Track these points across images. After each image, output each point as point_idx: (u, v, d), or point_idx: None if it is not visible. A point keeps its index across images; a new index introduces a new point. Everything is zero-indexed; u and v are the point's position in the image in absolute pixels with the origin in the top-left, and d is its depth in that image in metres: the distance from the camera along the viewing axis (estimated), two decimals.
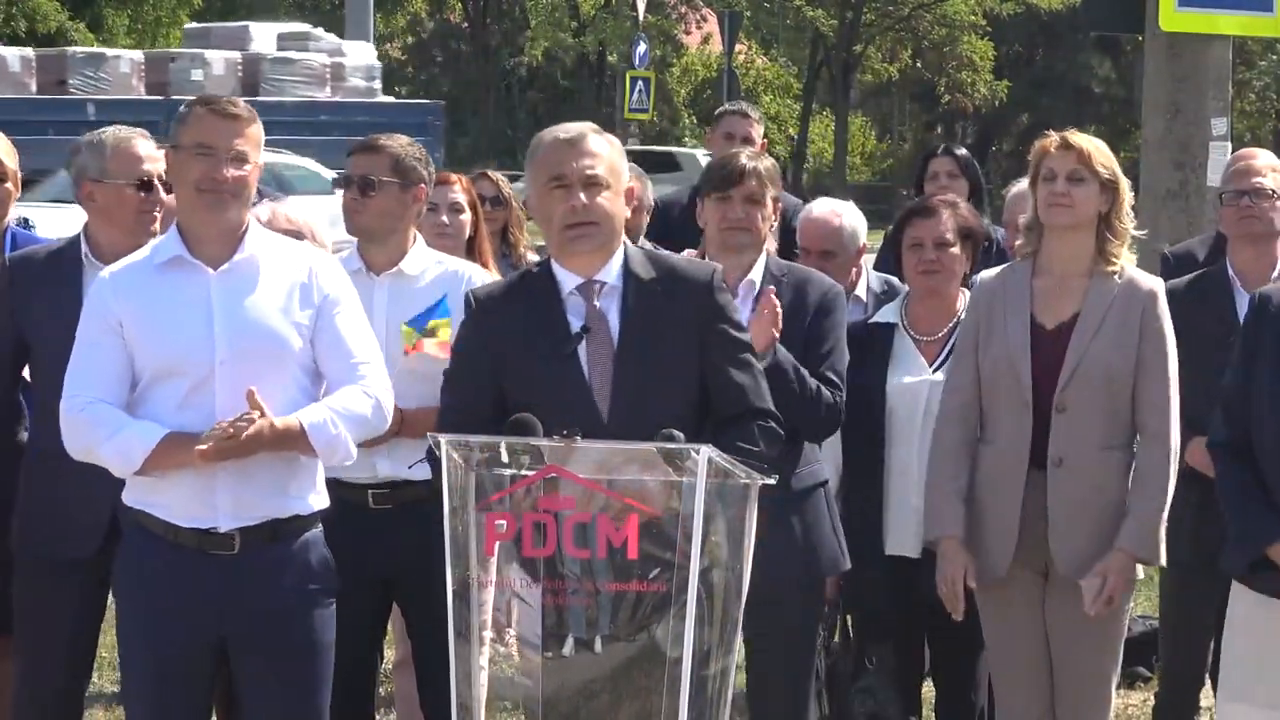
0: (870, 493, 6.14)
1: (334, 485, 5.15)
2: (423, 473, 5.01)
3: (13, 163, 6.06)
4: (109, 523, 5.29)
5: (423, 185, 5.78)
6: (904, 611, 6.20)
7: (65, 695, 5.66)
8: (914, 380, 6.11)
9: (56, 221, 15.18)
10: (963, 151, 8.38)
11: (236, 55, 30.45)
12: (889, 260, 7.09)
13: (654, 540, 4.23)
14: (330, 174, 22.18)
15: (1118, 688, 7.69)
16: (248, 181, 4.89)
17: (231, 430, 4.70)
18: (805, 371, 5.47)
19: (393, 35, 53.54)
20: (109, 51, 31.13)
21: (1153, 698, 7.18)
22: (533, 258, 7.78)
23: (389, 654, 7.17)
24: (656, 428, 4.33)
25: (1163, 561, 5.62)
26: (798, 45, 53.48)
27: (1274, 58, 47.30)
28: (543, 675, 4.39)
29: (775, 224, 5.88)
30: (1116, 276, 5.65)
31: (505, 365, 4.70)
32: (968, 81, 51.37)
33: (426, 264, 5.76)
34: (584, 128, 4.76)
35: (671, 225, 8.01)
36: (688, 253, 5.79)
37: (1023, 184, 6.92)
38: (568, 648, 4.35)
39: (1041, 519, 5.58)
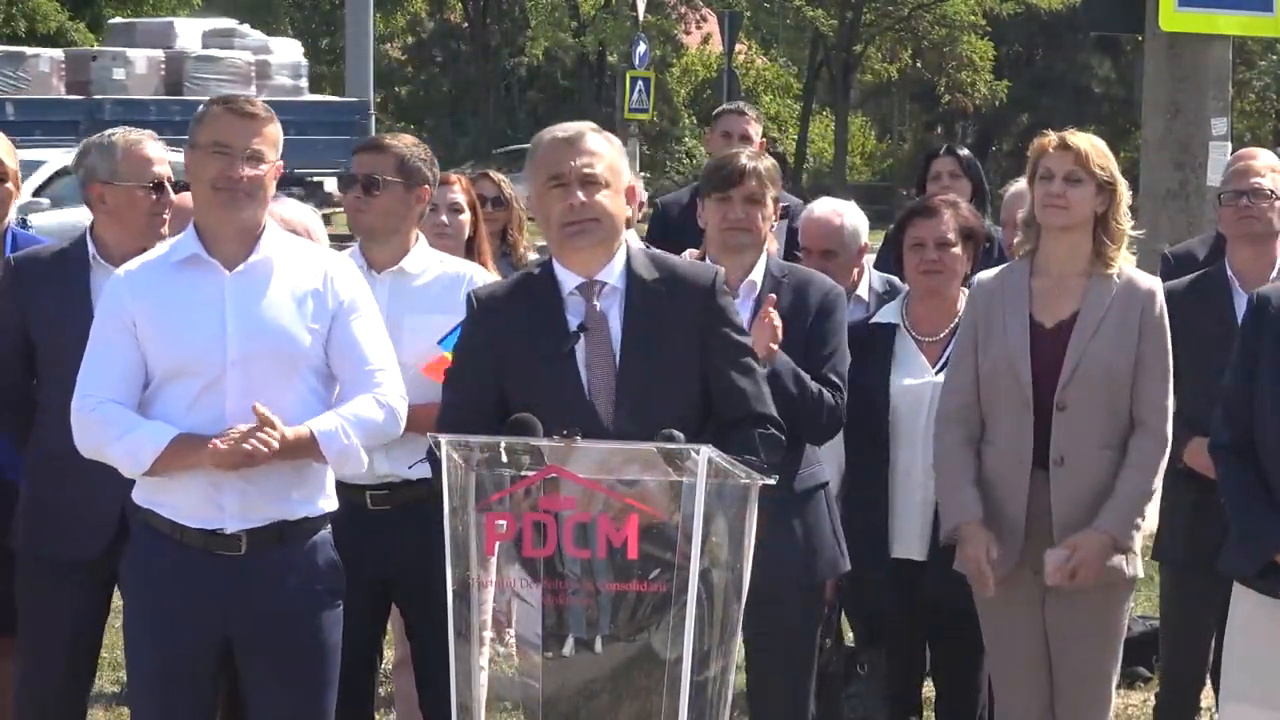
0: (874, 495, 6.13)
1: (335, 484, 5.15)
2: (422, 472, 5.02)
3: (13, 162, 6.07)
4: (116, 523, 5.29)
5: (427, 186, 5.79)
6: (908, 614, 6.20)
7: (67, 696, 5.66)
8: (916, 382, 6.11)
9: None
10: (965, 151, 8.38)
11: (160, 53, 29.83)
12: (889, 260, 7.09)
13: (654, 540, 4.23)
14: None
15: (1118, 688, 7.70)
16: (264, 181, 4.90)
17: (248, 448, 4.70)
18: (806, 376, 5.46)
19: (393, 35, 53.53)
20: (28, 50, 30.47)
21: (1153, 698, 7.18)
22: (533, 257, 7.79)
23: (389, 654, 7.18)
24: (657, 429, 4.32)
25: (1137, 548, 5.59)
26: (798, 45, 53.46)
27: (1274, 58, 47.28)
28: (543, 675, 4.39)
29: (775, 224, 5.88)
30: (1115, 276, 5.65)
31: (506, 365, 4.70)
32: (968, 81, 51.37)
33: (428, 263, 5.76)
34: (582, 127, 4.76)
35: (671, 225, 8.01)
36: (689, 253, 5.78)
37: (1020, 183, 6.93)
38: (568, 648, 4.35)
39: (1042, 518, 5.58)
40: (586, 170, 4.65)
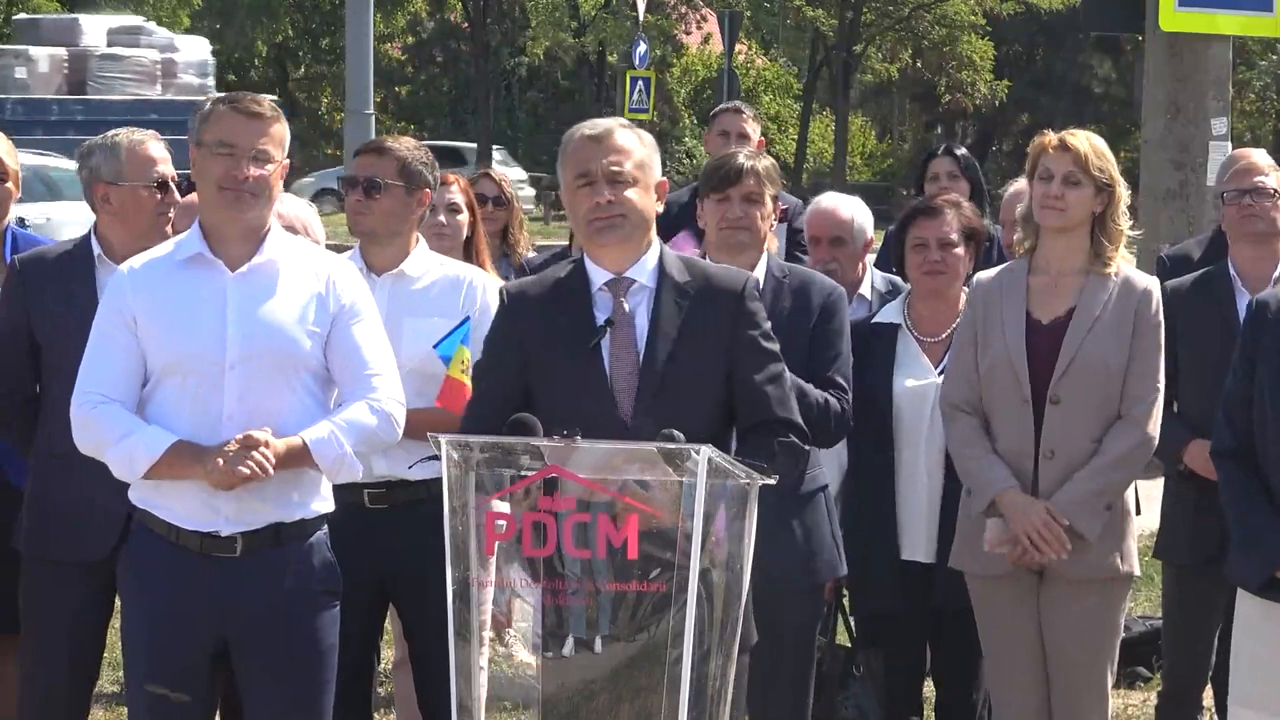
0: (880, 496, 6.13)
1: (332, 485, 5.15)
2: (422, 472, 5.01)
3: (13, 162, 6.07)
4: (121, 524, 5.28)
5: (428, 189, 5.78)
6: (912, 615, 6.20)
7: (70, 696, 5.65)
8: (919, 383, 6.11)
9: None
10: (963, 151, 8.37)
11: (63, 52, 29.10)
12: (890, 260, 7.09)
13: (654, 540, 4.23)
14: None
15: (1117, 688, 7.70)
16: (270, 181, 4.89)
17: (245, 472, 4.70)
18: (809, 387, 5.45)
19: (393, 35, 53.51)
20: None
21: (1153, 698, 7.18)
22: (531, 255, 7.78)
23: (389, 654, 7.18)
24: (678, 428, 4.31)
25: (1093, 537, 5.58)
26: (798, 45, 53.47)
27: (1274, 58, 47.29)
28: (543, 675, 4.39)
29: (775, 223, 5.87)
30: (1113, 275, 5.66)
31: (532, 359, 4.70)
32: (968, 81, 51.36)
33: (428, 266, 5.75)
34: (611, 124, 4.74)
35: (671, 225, 8.00)
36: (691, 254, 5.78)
37: (1020, 182, 6.94)
38: (568, 648, 4.35)
39: None
40: (614, 168, 4.64)
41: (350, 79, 16.70)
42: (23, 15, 36.36)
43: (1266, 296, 5.09)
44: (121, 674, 6.56)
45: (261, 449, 4.72)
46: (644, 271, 4.71)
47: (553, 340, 4.67)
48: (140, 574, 4.94)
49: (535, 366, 4.68)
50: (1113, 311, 5.62)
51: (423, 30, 56.33)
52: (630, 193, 4.65)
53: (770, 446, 4.61)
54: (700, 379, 4.65)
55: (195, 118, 4.96)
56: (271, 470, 4.73)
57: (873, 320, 6.32)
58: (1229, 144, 12.45)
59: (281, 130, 4.93)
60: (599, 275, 4.71)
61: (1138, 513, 6.19)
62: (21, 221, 6.94)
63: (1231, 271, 6.47)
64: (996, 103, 52.46)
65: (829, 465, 5.99)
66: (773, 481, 4.34)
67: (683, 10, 51.81)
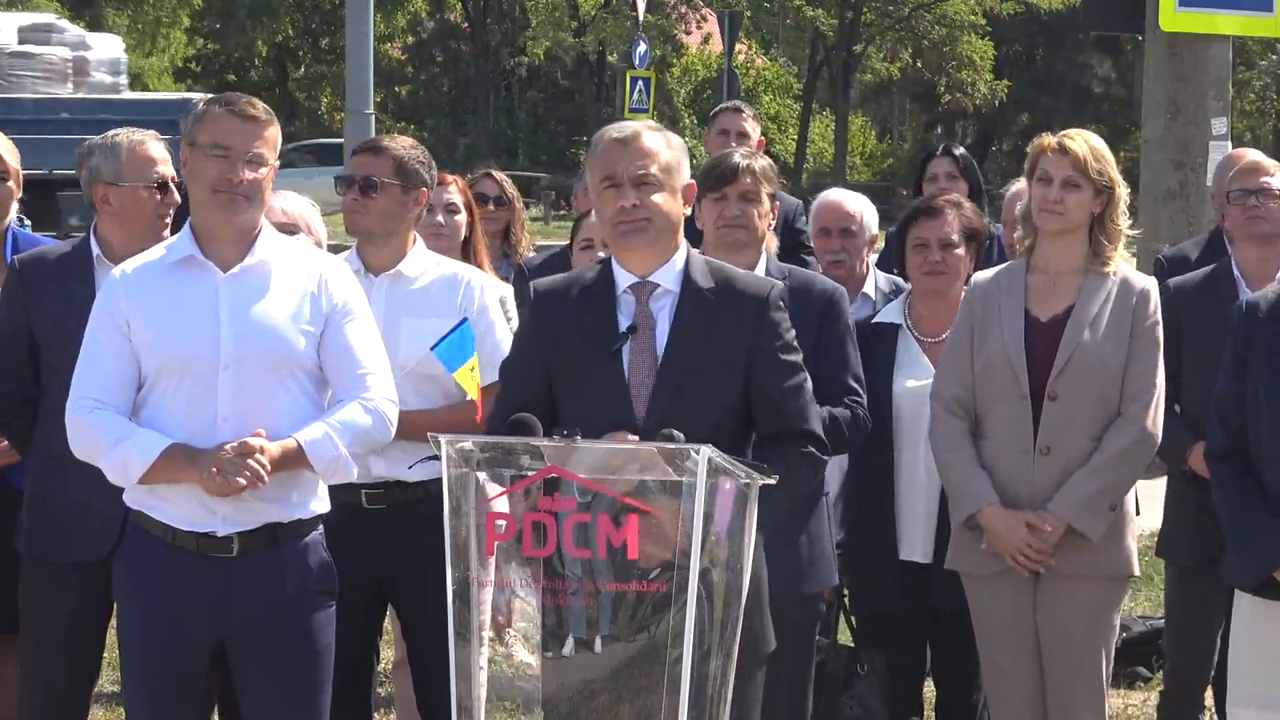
0: (878, 497, 6.13)
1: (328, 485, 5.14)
2: (422, 473, 5.01)
3: (14, 161, 6.06)
4: (120, 526, 5.28)
5: (424, 188, 5.77)
6: (911, 615, 6.20)
7: (70, 696, 5.65)
8: (919, 384, 6.10)
9: None
10: (962, 151, 8.37)
11: None
12: (890, 260, 7.10)
13: (654, 540, 4.23)
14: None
15: (1117, 688, 7.70)
16: (263, 184, 4.89)
17: (241, 482, 4.70)
18: (823, 416, 5.46)
19: (393, 35, 53.50)
20: None
21: (1153, 698, 7.18)
22: (530, 255, 7.78)
23: (388, 654, 7.17)
24: (693, 435, 4.31)
25: (1097, 538, 5.58)
26: (798, 45, 53.44)
27: (1274, 58, 47.28)
28: (543, 675, 4.40)
29: (774, 222, 5.87)
30: (1111, 274, 5.66)
31: (555, 358, 4.71)
32: (968, 81, 51.34)
33: (425, 266, 5.74)
34: (639, 126, 4.74)
35: None
36: None
37: (1021, 183, 6.93)
38: (568, 648, 4.36)
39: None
40: (639, 171, 4.64)
41: (350, 79, 16.66)
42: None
43: (1256, 297, 5.11)
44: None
45: (257, 456, 4.72)
46: (669, 276, 4.71)
47: (576, 340, 4.68)
48: (136, 575, 4.94)
49: (558, 364, 4.70)
50: (1111, 309, 5.63)
51: (423, 30, 56.32)
52: (656, 197, 4.65)
53: (788, 456, 4.60)
54: (717, 386, 4.64)
55: (188, 118, 4.95)
56: (267, 477, 4.74)
57: (873, 320, 6.32)
58: (1229, 144, 12.45)
59: (275, 133, 4.93)
60: (624, 278, 4.71)
61: (1137, 513, 6.19)
62: (22, 221, 6.93)
63: (1235, 271, 6.46)
64: (996, 103, 52.45)
65: (829, 467, 5.98)
66: (773, 481, 4.35)
67: (683, 10, 51.80)
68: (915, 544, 6.11)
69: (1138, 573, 5.80)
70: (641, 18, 39.30)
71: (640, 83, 34.11)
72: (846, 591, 6.57)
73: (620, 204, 4.64)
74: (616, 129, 4.74)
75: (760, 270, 5.65)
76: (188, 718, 4.94)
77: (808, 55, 53.20)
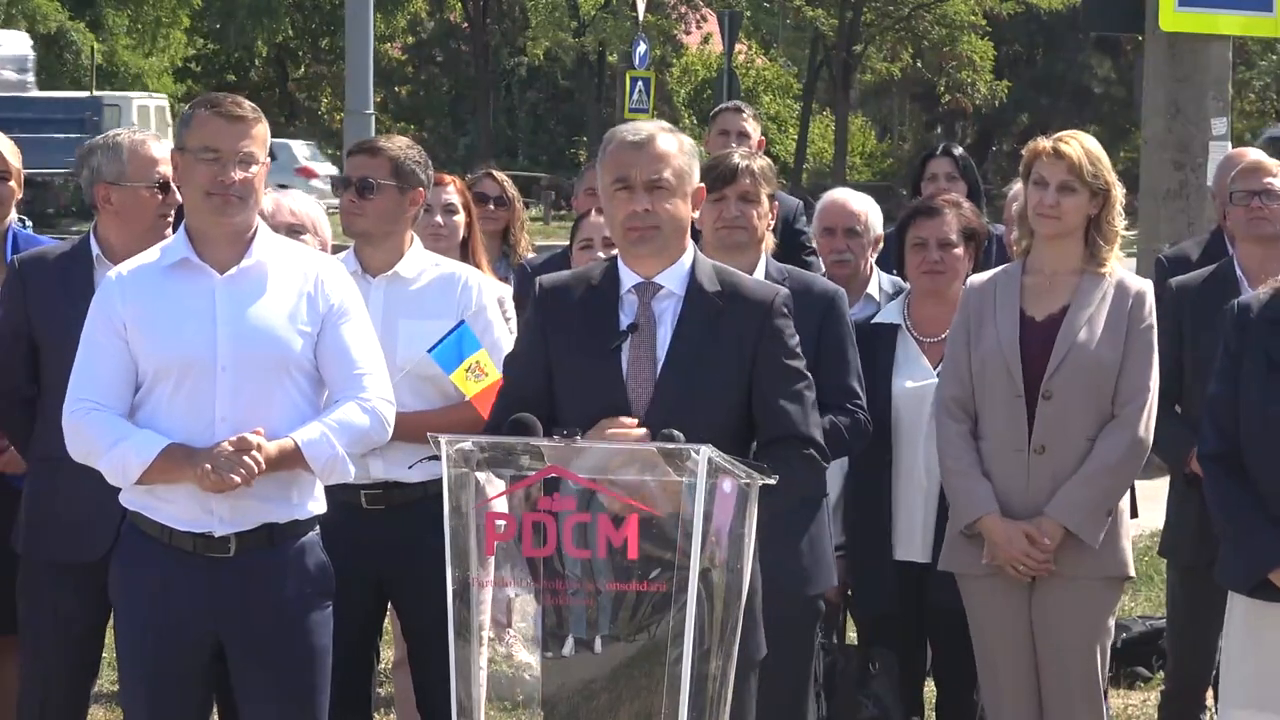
0: (877, 497, 6.13)
1: (327, 485, 5.14)
2: (422, 473, 5.01)
3: (16, 161, 6.06)
4: (118, 526, 5.28)
5: (421, 189, 5.75)
6: (910, 615, 6.20)
7: (69, 696, 5.65)
8: (918, 384, 6.11)
9: None
10: (961, 152, 8.38)
11: None
12: (890, 260, 7.10)
13: (654, 540, 4.23)
14: None
15: (1118, 687, 7.70)
16: (255, 184, 4.88)
17: (236, 479, 4.70)
18: (822, 424, 5.47)
19: (393, 35, 53.50)
20: None
21: (1153, 698, 7.18)
22: (530, 256, 7.78)
23: (389, 654, 7.17)
24: (691, 438, 4.30)
25: (1095, 544, 5.59)
26: (798, 45, 53.42)
27: (1274, 58, 47.28)
28: (543, 675, 4.40)
29: (773, 222, 5.87)
30: (1107, 274, 5.67)
31: (555, 354, 4.70)
32: (968, 81, 51.33)
33: (423, 266, 5.73)
34: (652, 129, 4.71)
35: None
36: None
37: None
38: (568, 648, 4.36)
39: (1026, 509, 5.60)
40: (653, 177, 4.63)
41: (350, 79, 16.66)
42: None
43: (1248, 299, 5.11)
44: None
45: (253, 453, 4.72)
46: (674, 278, 4.70)
47: (577, 337, 4.67)
48: (133, 576, 4.94)
49: (558, 361, 4.69)
50: (1106, 309, 5.63)
51: (423, 30, 56.32)
52: (668, 203, 4.64)
53: (789, 459, 4.59)
54: (718, 390, 4.63)
55: (176, 123, 4.95)
56: (259, 471, 4.73)
57: (873, 321, 6.33)
58: (1229, 144, 12.45)
59: (263, 131, 4.92)
60: (629, 278, 4.71)
61: (1135, 514, 6.20)
62: (23, 221, 6.92)
63: (1237, 271, 6.46)
64: (996, 103, 52.42)
65: (831, 467, 5.98)
66: (773, 482, 4.35)
67: (683, 10, 51.80)
68: (914, 544, 6.11)
69: (1133, 574, 5.80)
70: (641, 18, 39.32)
71: (640, 83, 34.13)
72: (849, 592, 6.57)
73: (632, 208, 4.63)
74: (631, 131, 4.71)
75: (760, 271, 5.65)
76: (186, 718, 4.94)
77: (808, 55, 53.17)
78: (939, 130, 55.35)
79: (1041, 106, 51.24)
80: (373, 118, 16.57)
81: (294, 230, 5.72)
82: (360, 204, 5.69)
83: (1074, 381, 5.58)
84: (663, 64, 47.97)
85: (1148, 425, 5.62)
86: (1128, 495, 5.81)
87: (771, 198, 5.79)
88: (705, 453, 4.18)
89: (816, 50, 52.39)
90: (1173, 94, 12.58)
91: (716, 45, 48.73)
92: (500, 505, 4.31)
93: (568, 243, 7.33)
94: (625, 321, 4.66)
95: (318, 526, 5.02)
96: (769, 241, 5.93)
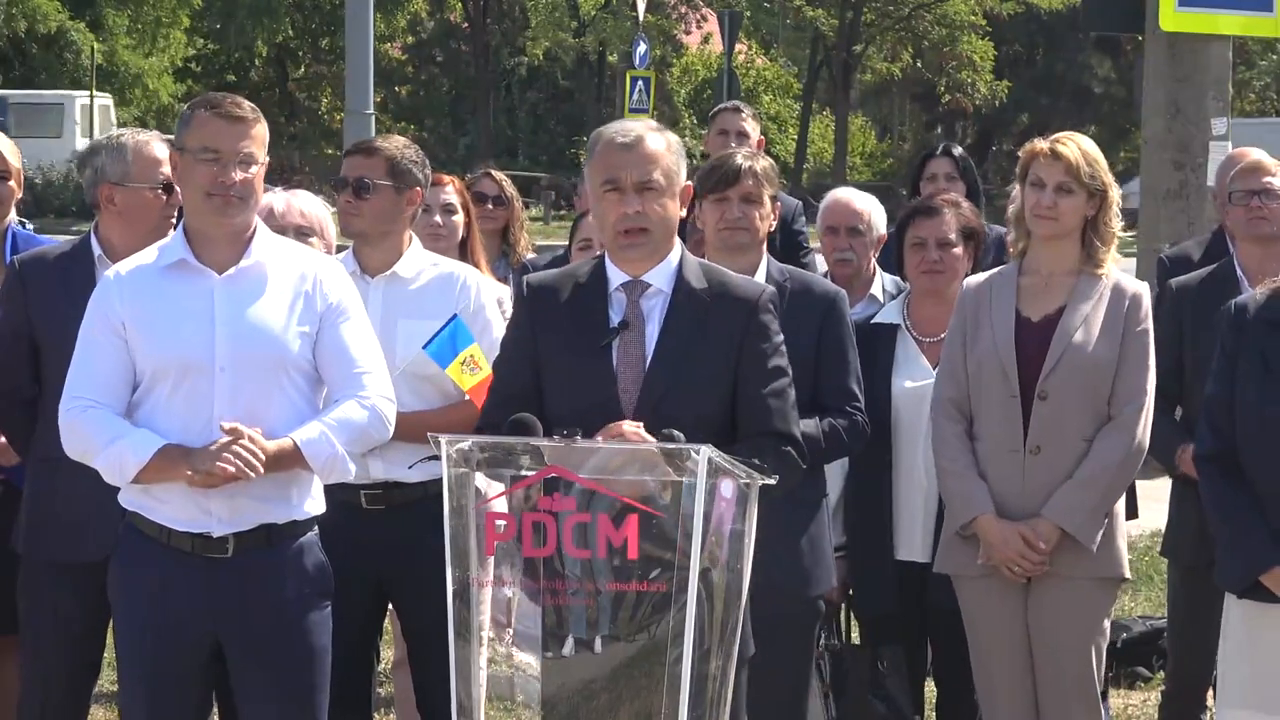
0: (877, 496, 6.13)
1: (326, 485, 5.14)
2: (422, 473, 5.01)
3: (16, 161, 6.06)
4: (119, 526, 5.27)
5: (419, 188, 5.75)
6: (912, 614, 6.20)
7: (69, 696, 5.66)
8: (917, 384, 6.11)
9: None
10: (960, 152, 8.38)
11: None
12: (890, 260, 7.10)
13: (654, 540, 4.23)
14: None
15: (1118, 687, 7.70)
16: (255, 184, 4.88)
17: (232, 470, 4.69)
18: (820, 427, 5.46)
19: (393, 35, 53.48)
20: None
21: (1153, 698, 7.18)
22: (530, 256, 7.78)
23: (389, 654, 7.18)
24: (679, 431, 4.31)
25: (1093, 546, 5.59)
26: (798, 45, 53.42)
27: (1274, 58, 47.28)
28: (543, 675, 4.40)
29: (774, 223, 5.87)
30: (1104, 275, 5.67)
31: (544, 352, 4.71)
32: (968, 81, 51.33)
33: (422, 266, 5.73)
34: (641, 129, 4.71)
35: None
36: None
37: None
38: (568, 648, 4.36)
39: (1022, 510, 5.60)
40: (643, 178, 4.63)
41: (350, 79, 16.65)
42: None
43: (1245, 299, 5.11)
44: None
45: (245, 441, 4.71)
46: (662, 276, 4.70)
47: (566, 335, 4.68)
48: (131, 576, 4.93)
49: (547, 359, 4.69)
50: (1103, 310, 5.63)
51: (423, 30, 56.30)
52: (658, 203, 4.65)
53: (764, 453, 4.56)
54: (705, 387, 4.63)
55: (176, 123, 4.95)
56: (261, 469, 4.73)
57: (872, 320, 6.33)
58: (1229, 144, 12.44)
59: (262, 131, 4.92)
60: (617, 276, 4.71)
61: (1134, 515, 6.19)
62: (23, 222, 6.92)
63: (1238, 271, 6.46)
64: (996, 103, 52.43)
65: (832, 468, 5.99)
66: (773, 481, 4.35)
67: (683, 10, 51.79)
68: (915, 544, 6.11)
69: (1128, 575, 5.81)
70: (641, 18, 39.31)
71: (640, 83, 34.11)
72: (851, 593, 6.57)
73: (623, 210, 4.63)
74: (619, 132, 4.71)
75: (761, 272, 5.65)
76: (185, 718, 4.94)
77: (808, 55, 53.18)
78: (939, 130, 55.35)
79: (1041, 107, 51.26)
80: (373, 118, 16.56)
81: (302, 232, 5.73)
82: (357, 204, 5.68)
83: (1070, 382, 5.58)
84: (663, 64, 47.95)
85: (1145, 428, 5.63)
86: (1123, 496, 5.82)
87: (774, 198, 5.79)
88: (705, 453, 4.18)
89: (816, 50, 52.39)
90: (1173, 94, 12.58)
91: (716, 45, 48.73)
92: (500, 505, 4.31)
93: (567, 243, 7.33)
94: (615, 319, 4.67)
95: (316, 526, 5.01)
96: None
